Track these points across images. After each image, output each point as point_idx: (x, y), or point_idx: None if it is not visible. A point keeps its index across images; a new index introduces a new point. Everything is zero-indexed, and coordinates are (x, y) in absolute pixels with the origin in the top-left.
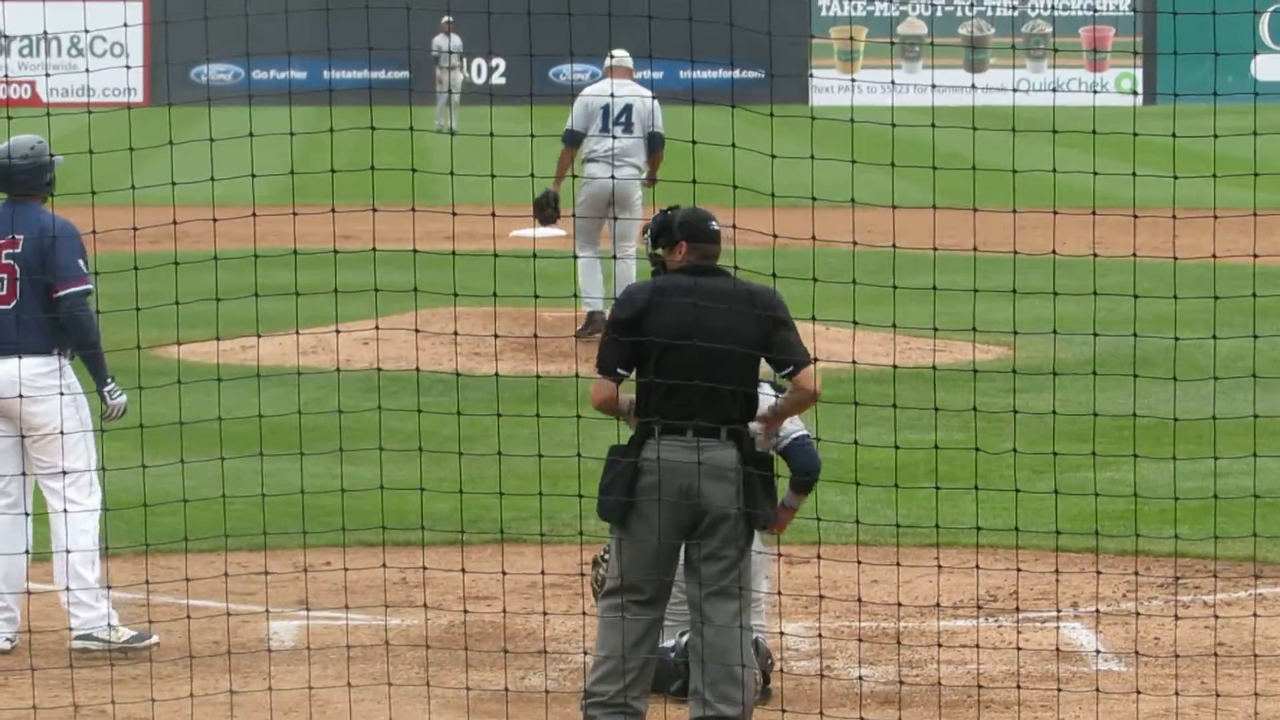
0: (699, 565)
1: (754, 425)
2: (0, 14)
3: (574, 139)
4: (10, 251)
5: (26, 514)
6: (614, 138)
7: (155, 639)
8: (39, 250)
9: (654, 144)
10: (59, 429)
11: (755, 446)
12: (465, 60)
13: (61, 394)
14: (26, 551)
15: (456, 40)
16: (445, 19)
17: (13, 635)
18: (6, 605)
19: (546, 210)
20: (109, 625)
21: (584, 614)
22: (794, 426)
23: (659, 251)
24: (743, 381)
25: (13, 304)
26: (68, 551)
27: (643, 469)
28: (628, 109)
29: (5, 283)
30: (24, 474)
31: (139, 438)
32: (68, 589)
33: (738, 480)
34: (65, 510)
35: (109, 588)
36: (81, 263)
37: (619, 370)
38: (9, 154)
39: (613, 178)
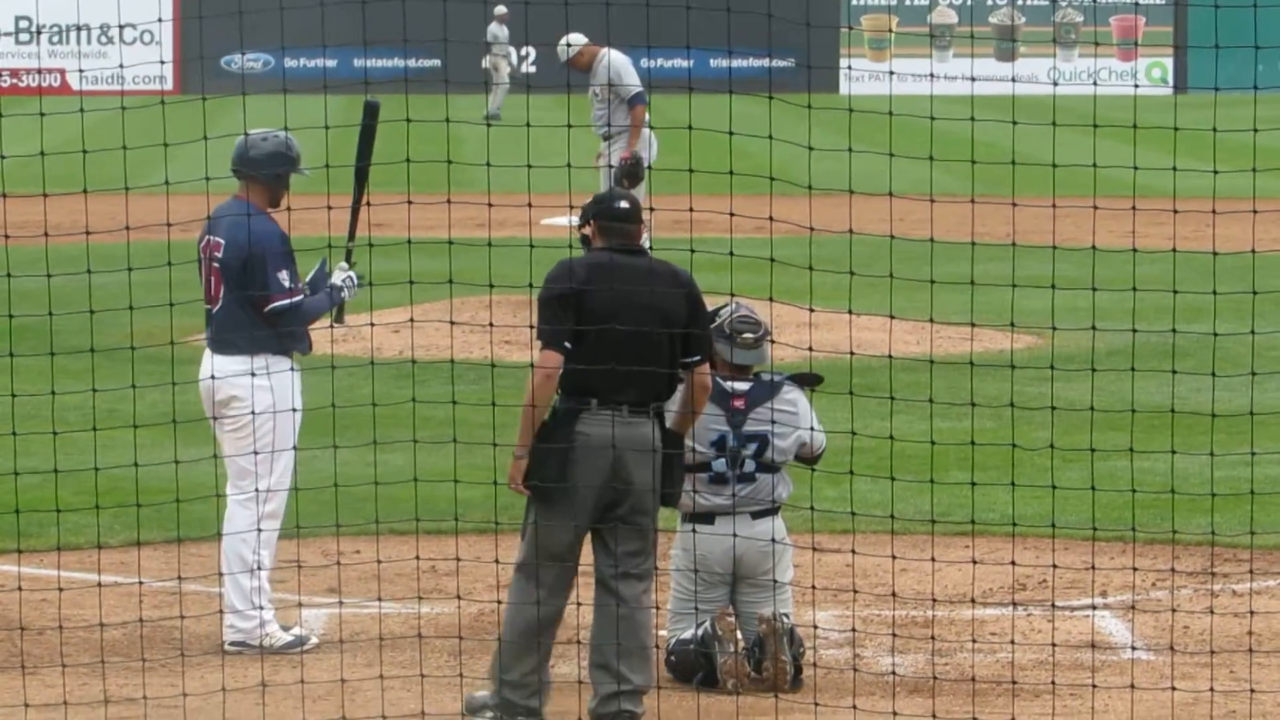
0: (614, 543)
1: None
2: (32, 3)
3: (645, 97)
4: (216, 255)
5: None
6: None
7: (314, 640)
8: (239, 260)
9: None
10: (239, 428)
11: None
12: (514, 50)
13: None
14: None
15: (503, 29)
16: (500, 9)
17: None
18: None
19: (637, 172)
20: (263, 631)
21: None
22: (821, 440)
23: (585, 231)
24: (668, 359)
25: (216, 307)
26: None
27: (575, 445)
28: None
29: (213, 285)
30: (255, 451)
31: (171, 428)
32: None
33: (656, 458)
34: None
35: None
36: (284, 274)
37: (565, 344)
38: (248, 142)
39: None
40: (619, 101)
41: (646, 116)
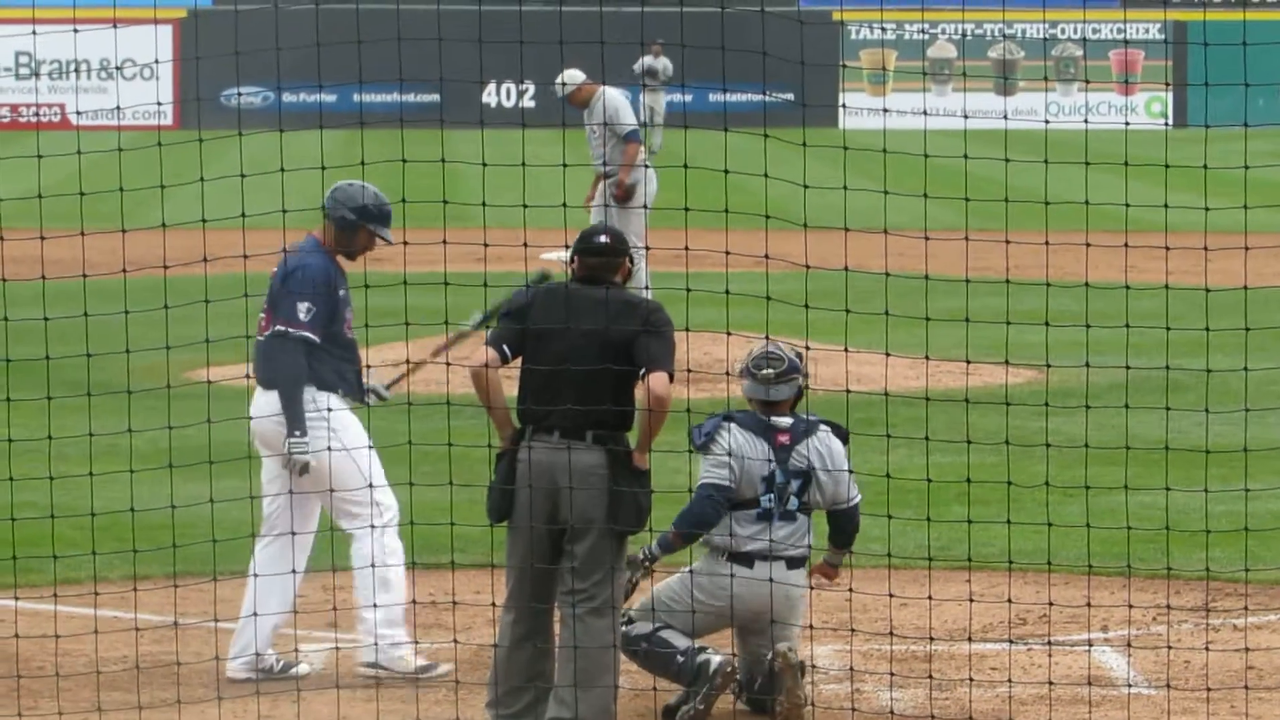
0: (567, 573)
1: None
2: (31, 40)
3: (639, 134)
4: (271, 284)
5: (291, 533)
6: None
7: (444, 668)
8: (281, 282)
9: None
10: (298, 461)
11: (629, 457)
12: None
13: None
14: (294, 572)
15: (665, 62)
16: (658, 41)
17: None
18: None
19: (629, 194)
20: (399, 655)
21: (614, 645)
22: (855, 491)
23: (574, 267)
24: (611, 387)
25: (264, 335)
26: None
27: (517, 470)
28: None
29: (267, 312)
30: (291, 492)
31: (169, 465)
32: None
33: (603, 485)
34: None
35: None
36: (304, 308)
37: (504, 346)
38: (339, 186)
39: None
40: (616, 139)
41: (642, 154)
